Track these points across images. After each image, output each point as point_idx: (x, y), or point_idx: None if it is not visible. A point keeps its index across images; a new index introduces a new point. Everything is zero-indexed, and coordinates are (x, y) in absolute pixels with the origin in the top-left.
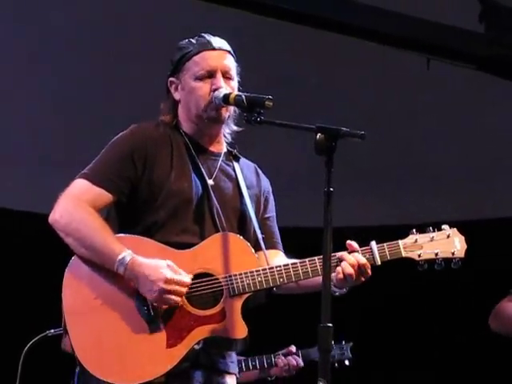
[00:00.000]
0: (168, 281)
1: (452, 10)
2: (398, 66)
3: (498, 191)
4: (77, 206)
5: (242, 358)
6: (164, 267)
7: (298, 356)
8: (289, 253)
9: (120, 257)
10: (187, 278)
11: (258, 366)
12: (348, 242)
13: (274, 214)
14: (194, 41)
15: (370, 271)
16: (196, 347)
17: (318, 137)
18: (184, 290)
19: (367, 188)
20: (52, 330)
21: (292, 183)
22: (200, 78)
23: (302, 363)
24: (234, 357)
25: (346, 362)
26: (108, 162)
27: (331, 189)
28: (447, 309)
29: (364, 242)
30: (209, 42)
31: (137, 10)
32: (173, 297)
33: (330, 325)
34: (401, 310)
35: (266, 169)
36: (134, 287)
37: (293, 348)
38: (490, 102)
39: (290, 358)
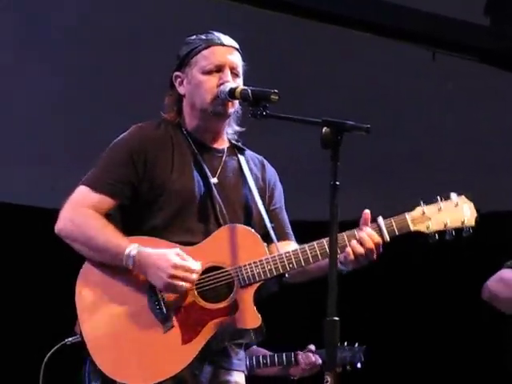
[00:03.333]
0: (177, 267)
1: (457, 2)
2: (404, 59)
3: (500, 185)
4: (77, 212)
5: (268, 353)
6: (172, 254)
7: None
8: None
9: (127, 250)
10: (196, 265)
11: (285, 362)
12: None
13: (282, 203)
14: (203, 36)
15: (381, 248)
16: (211, 343)
17: (323, 130)
18: (193, 276)
19: (369, 181)
20: (70, 339)
21: (297, 177)
22: (208, 72)
23: (319, 361)
24: (241, 354)
25: (358, 365)
26: (108, 166)
27: (337, 182)
28: (455, 307)
29: None
30: (218, 38)
31: (142, 6)
32: (182, 283)
33: (337, 318)
34: (413, 313)
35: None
36: (144, 284)
37: (312, 347)
38: (494, 95)
39: (309, 354)
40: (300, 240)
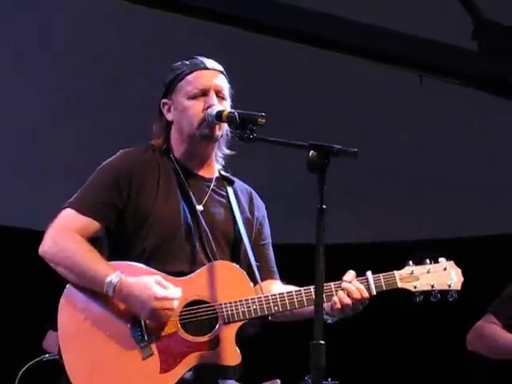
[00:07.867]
0: (158, 298)
1: (445, 27)
2: (391, 84)
3: (480, 209)
4: (63, 235)
5: None
6: (153, 285)
7: None
8: (281, 269)
9: (108, 279)
10: (176, 292)
11: None
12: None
13: (270, 240)
14: (187, 62)
15: (367, 301)
16: (188, 375)
17: (310, 154)
18: (175, 303)
19: (354, 206)
20: (47, 355)
21: (282, 200)
22: (193, 97)
23: None
24: (228, 383)
25: None
26: (94, 189)
27: (323, 206)
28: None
29: (353, 259)
30: (202, 62)
31: (134, 26)
32: (164, 313)
33: (322, 342)
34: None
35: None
36: (126, 310)
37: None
38: (481, 119)
39: None
40: (286, 263)
